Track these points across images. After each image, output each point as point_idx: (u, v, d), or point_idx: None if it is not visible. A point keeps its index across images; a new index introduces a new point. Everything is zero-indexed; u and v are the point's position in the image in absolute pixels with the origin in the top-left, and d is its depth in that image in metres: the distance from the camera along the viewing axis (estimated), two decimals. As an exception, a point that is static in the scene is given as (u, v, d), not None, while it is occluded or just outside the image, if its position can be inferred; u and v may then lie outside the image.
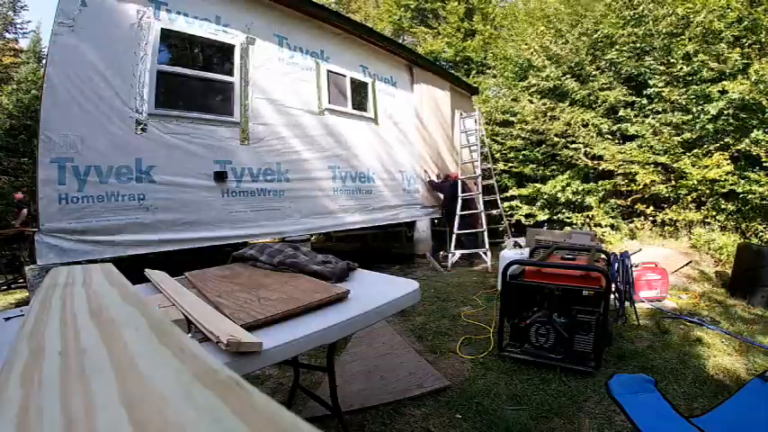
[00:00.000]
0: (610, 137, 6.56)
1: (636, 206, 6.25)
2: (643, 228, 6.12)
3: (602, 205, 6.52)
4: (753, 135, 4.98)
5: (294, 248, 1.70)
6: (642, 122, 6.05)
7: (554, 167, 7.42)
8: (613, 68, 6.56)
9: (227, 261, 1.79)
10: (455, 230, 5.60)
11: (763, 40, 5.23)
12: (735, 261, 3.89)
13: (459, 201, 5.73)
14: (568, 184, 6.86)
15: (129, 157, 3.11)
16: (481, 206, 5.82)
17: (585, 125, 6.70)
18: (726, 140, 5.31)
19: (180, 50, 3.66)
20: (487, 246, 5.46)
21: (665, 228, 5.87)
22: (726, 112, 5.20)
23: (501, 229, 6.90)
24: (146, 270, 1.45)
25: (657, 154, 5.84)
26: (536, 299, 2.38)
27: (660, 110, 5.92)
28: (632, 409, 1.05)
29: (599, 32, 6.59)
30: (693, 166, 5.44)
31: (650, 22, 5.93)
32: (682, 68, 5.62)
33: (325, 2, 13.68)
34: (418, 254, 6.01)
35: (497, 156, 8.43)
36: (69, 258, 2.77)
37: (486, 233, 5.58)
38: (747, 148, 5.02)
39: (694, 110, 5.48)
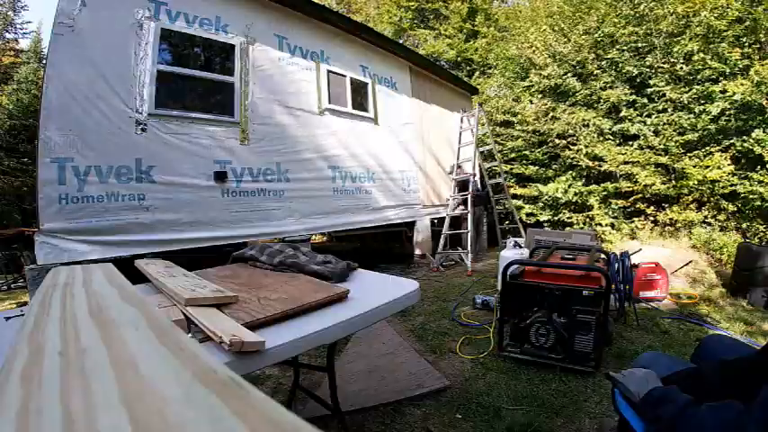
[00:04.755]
0: (611, 137, 6.56)
1: (636, 206, 6.25)
2: (643, 228, 6.12)
3: (602, 206, 6.52)
4: (754, 135, 4.98)
5: (294, 248, 1.70)
6: (644, 123, 6.05)
7: (556, 167, 7.42)
8: (615, 68, 6.56)
9: (228, 261, 1.79)
10: (444, 231, 5.59)
11: (763, 39, 5.23)
12: (735, 261, 3.89)
13: (450, 201, 5.63)
14: (570, 185, 6.86)
15: (129, 157, 3.11)
16: (469, 207, 5.64)
17: (587, 125, 6.70)
18: (728, 141, 5.31)
19: (180, 50, 3.66)
20: (469, 248, 5.24)
21: (666, 228, 5.87)
22: (728, 112, 5.20)
23: (504, 227, 6.85)
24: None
25: (659, 154, 5.84)
26: (536, 299, 2.38)
27: (661, 109, 5.92)
28: (630, 412, 1.05)
29: (600, 31, 6.59)
30: (694, 166, 5.44)
31: (651, 22, 5.93)
32: (682, 68, 5.62)
33: (325, 2, 13.68)
34: (418, 254, 6.01)
35: (497, 156, 8.42)
36: (69, 258, 2.77)
37: (469, 234, 5.36)
38: (750, 147, 5.02)
39: (696, 109, 5.48)
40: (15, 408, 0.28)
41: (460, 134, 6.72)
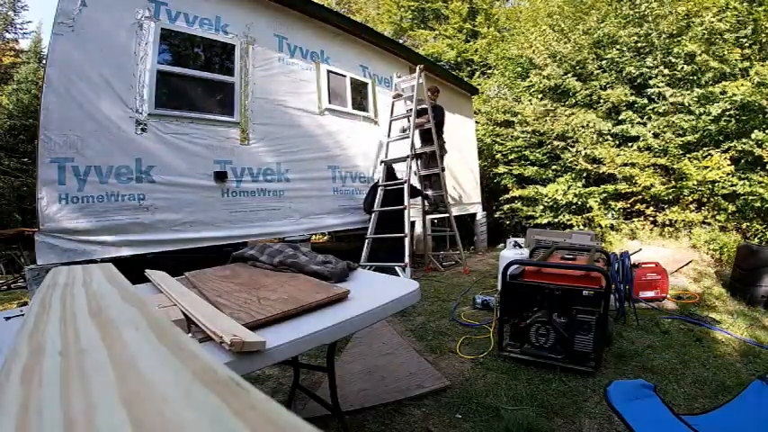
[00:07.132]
0: (610, 138, 6.56)
1: (636, 207, 6.25)
2: (643, 228, 6.12)
3: (602, 207, 6.52)
4: (754, 136, 4.98)
5: (294, 248, 1.69)
6: (644, 124, 6.06)
7: (555, 168, 7.41)
8: (615, 68, 6.56)
9: (227, 261, 1.78)
10: (368, 234, 4.30)
11: (764, 40, 5.23)
12: (735, 261, 3.89)
13: (380, 192, 4.44)
14: (570, 187, 6.85)
15: (129, 157, 3.11)
16: (407, 200, 4.31)
17: (586, 126, 6.70)
18: (728, 142, 5.31)
19: (180, 50, 3.66)
20: (407, 259, 4.03)
21: (666, 228, 5.87)
22: (728, 113, 5.20)
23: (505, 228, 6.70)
24: (146, 270, 1.45)
25: (658, 156, 5.84)
26: (536, 299, 2.38)
27: (661, 110, 5.92)
28: (631, 417, 1.04)
29: (600, 31, 6.59)
30: (694, 167, 5.44)
31: (651, 22, 5.94)
32: (683, 68, 5.62)
33: (325, 2, 13.67)
34: (418, 254, 6.01)
35: (498, 157, 8.40)
36: (69, 258, 2.77)
37: (407, 239, 4.12)
38: (750, 149, 5.02)
39: (696, 111, 5.48)
40: (15, 408, 0.28)
41: (398, 104, 5.30)
